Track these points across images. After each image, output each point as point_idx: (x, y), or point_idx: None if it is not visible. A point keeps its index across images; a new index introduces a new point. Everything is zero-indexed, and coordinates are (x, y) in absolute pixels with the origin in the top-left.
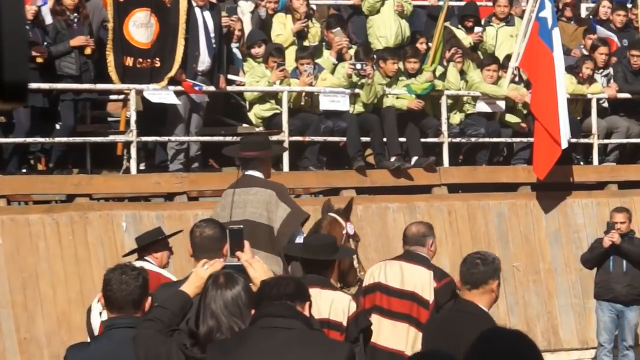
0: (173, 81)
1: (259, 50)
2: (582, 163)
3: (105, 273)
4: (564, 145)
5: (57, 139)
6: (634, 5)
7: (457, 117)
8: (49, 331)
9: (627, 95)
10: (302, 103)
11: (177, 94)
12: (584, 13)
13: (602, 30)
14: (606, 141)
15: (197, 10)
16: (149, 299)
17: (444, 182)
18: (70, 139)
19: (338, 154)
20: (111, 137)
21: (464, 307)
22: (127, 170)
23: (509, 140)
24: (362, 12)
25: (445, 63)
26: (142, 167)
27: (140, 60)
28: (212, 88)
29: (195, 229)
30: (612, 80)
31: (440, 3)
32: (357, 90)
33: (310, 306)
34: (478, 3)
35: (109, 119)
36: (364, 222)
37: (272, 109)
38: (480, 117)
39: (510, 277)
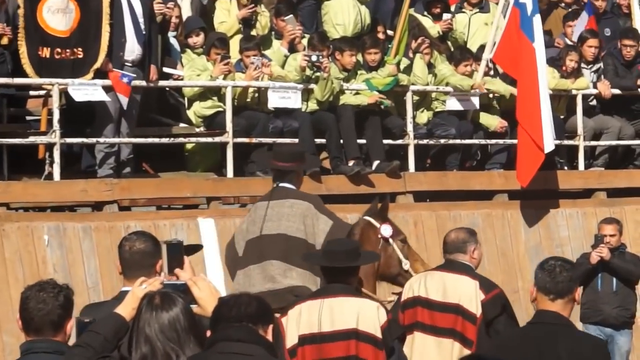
0: (100, 74)
1: (197, 39)
2: (566, 168)
3: (23, 291)
4: (548, 148)
5: None
6: None
7: (424, 116)
8: None
9: (618, 92)
10: (248, 100)
11: (106, 89)
12: None
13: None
14: (594, 143)
15: None
16: (72, 320)
17: (409, 190)
18: None
19: None
20: (31, 139)
21: (554, 319)
22: (50, 176)
23: (483, 142)
24: None
25: (410, 55)
26: (66, 172)
27: (59, 50)
28: (143, 83)
29: (124, 243)
30: (602, 77)
31: None
32: (311, 86)
33: (273, 330)
34: None
35: (29, 117)
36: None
37: (214, 107)
38: (450, 116)
39: None
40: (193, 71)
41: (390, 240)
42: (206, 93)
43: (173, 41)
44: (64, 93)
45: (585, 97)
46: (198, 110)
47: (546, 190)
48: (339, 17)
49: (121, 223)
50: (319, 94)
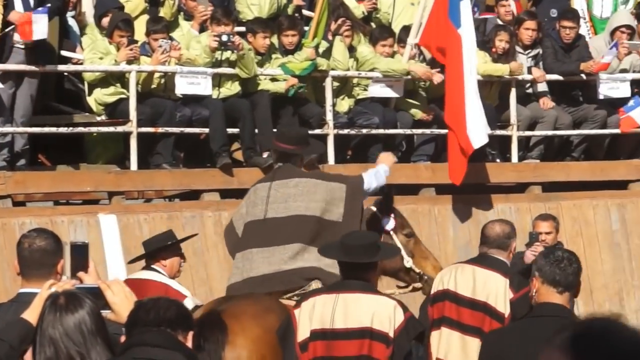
0: None
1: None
2: (498, 160)
3: None
4: (478, 143)
5: None
6: None
7: (345, 104)
8: None
9: (557, 77)
10: (154, 86)
11: None
12: None
13: None
14: (528, 133)
15: None
16: None
17: None
18: None
19: (198, 148)
20: None
21: (558, 311)
22: None
23: (408, 132)
24: None
25: (330, 37)
26: None
27: None
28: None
29: (23, 241)
30: (541, 61)
31: None
32: (222, 70)
33: (194, 336)
34: None
35: None
36: None
37: (117, 94)
38: (373, 103)
39: (409, 300)
40: (95, 54)
41: (392, 233)
42: (108, 78)
43: (72, 22)
44: None
45: (521, 84)
46: (99, 97)
47: (477, 184)
48: None
49: (15, 220)
50: (244, 72)
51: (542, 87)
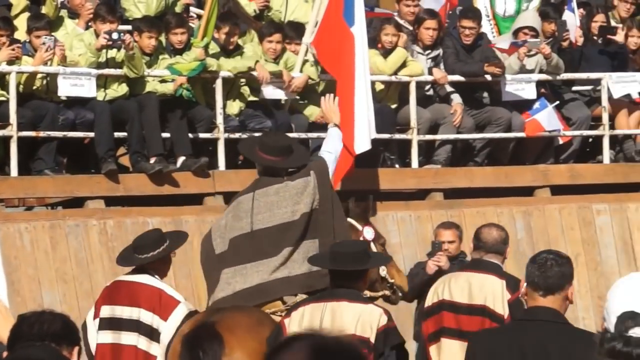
0: None
1: None
2: (397, 165)
3: None
4: (360, 148)
5: None
6: None
7: (235, 106)
8: None
9: (459, 78)
10: (36, 87)
11: None
12: None
13: None
14: (429, 137)
15: None
16: None
17: (219, 191)
18: None
19: (82, 153)
20: None
21: (544, 315)
22: None
23: (303, 135)
24: None
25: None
26: None
27: None
28: None
29: None
30: (442, 62)
31: None
32: (108, 71)
33: (79, 352)
34: None
35: None
36: (115, 241)
37: None
38: (266, 105)
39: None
40: None
41: (372, 244)
42: None
43: None
44: None
45: (421, 86)
46: None
47: (374, 190)
48: None
49: None
50: (132, 72)
51: (448, 88)
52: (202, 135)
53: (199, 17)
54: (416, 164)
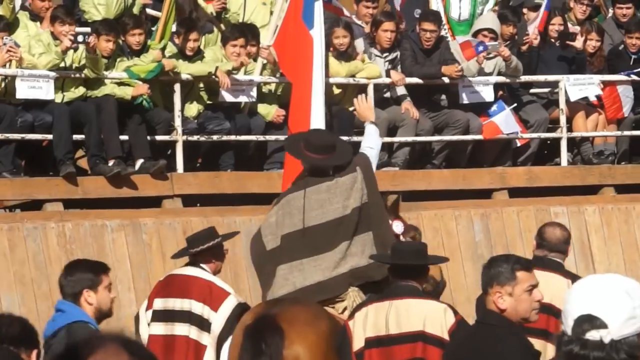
0: None
1: None
2: None
3: None
4: None
5: None
6: None
7: (194, 109)
8: None
9: (417, 81)
10: None
11: None
12: None
13: None
14: (387, 139)
15: None
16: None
17: (177, 193)
18: None
19: (40, 156)
20: None
21: (498, 319)
22: None
23: (261, 138)
24: None
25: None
26: None
27: None
28: None
29: None
30: (400, 64)
31: None
32: (67, 73)
33: (38, 355)
34: None
35: None
36: (74, 244)
37: None
38: (225, 108)
39: None
40: None
41: (402, 237)
42: None
43: None
44: None
45: (379, 88)
46: None
47: None
48: None
49: None
50: (93, 73)
51: (400, 90)
52: (160, 137)
53: (155, 19)
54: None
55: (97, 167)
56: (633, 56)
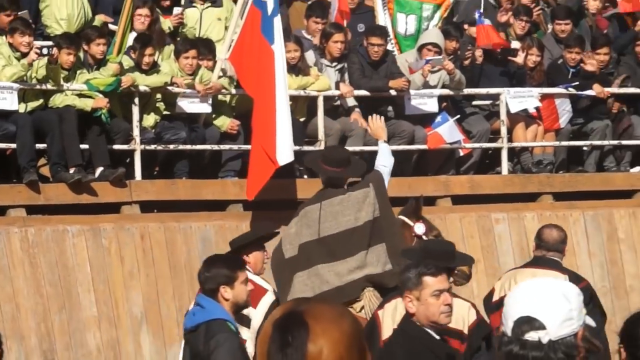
0: None
1: None
2: (306, 176)
3: None
4: (284, 160)
5: None
6: None
7: (151, 119)
8: None
9: (365, 93)
10: None
11: None
12: None
13: None
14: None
15: None
16: None
17: (135, 200)
18: None
19: (4, 164)
20: None
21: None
22: None
23: (216, 147)
24: None
25: (133, 54)
26: None
27: None
28: None
29: None
30: (347, 76)
31: None
32: (30, 86)
33: (1, 356)
34: None
35: None
36: (36, 248)
37: None
38: (181, 119)
39: None
40: None
41: (424, 237)
42: None
43: None
44: None
45: (328, 99)
46: None
47: (285, 200)
48: (62, 10)
49: None
50: (53, 85)
51: (350, 101)
52: (119, 146)
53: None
54: None
55: (58, 174)
56: (571, 70)
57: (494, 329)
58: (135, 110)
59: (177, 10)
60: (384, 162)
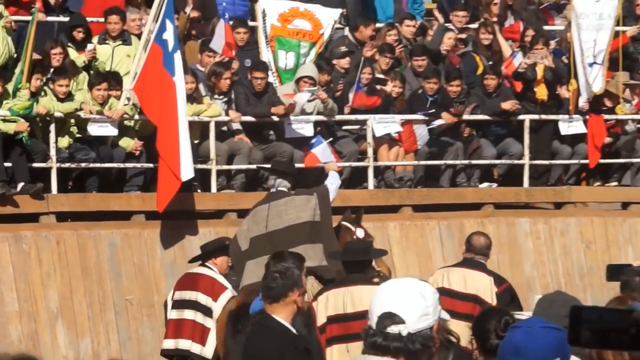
0: None
1: None
2: (199, 190)
3: None
4: (186, 177)
5: None
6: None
7: (65, 141)
8: None
9: (250, 118)
10: None
11: None
12: None
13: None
14: (226, 167)
15: None
16: None
17: (52, 210)
18: None
19: None
20: None
21: (267, 320)
22: None
23: (122, 165)
24: None
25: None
26: None
27: None
28: None
29: None
30: (234, 104)
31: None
32: None
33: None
34: (89, 19)
35: None
36: None
37: None
38: (91, 141)
39: (122, 311)
40: None
41: None
42: None
43: None
44: None
45: (218, 124)
46: None
47: (182, 211)
48: None
49: None
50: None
51: (236, 126)
52: (38, 165)
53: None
54: (215, 189)
55: None
56: (430, 98)
57: None
58: (52, 133)
59: (90, 46)
60: (332, 182)
